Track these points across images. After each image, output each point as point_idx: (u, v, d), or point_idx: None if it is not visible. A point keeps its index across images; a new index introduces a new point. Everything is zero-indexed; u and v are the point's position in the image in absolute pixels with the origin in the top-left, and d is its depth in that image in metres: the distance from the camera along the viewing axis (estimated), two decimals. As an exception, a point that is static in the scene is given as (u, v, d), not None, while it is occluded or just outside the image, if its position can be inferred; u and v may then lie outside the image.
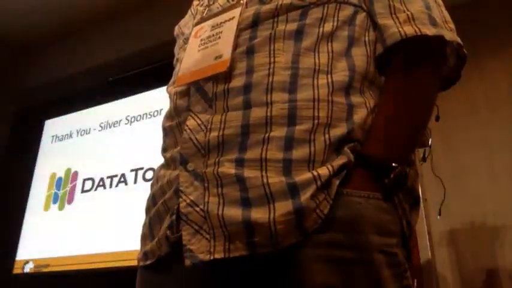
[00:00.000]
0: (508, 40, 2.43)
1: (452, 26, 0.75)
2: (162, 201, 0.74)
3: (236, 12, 0.78)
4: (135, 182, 2.90)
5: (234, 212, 0.63)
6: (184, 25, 0.96)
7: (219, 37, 0.78)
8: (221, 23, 0.80)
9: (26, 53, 3.64)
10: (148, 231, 0.77)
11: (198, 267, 0.65)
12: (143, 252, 0.76)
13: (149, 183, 2.85)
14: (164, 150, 0.81)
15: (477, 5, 2.46)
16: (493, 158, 2.28)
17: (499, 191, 2.21)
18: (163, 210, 0.73)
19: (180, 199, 0.67)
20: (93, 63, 3.29)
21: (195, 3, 0.97)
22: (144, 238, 0.78)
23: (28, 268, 3.10)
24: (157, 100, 3.00)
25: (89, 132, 3.31)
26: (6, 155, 3.61)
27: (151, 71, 3.08)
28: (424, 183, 2.22)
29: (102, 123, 3.27)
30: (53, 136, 3.53)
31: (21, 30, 3.39)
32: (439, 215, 2.07)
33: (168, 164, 0.77)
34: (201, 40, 0.81)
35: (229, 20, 0.78)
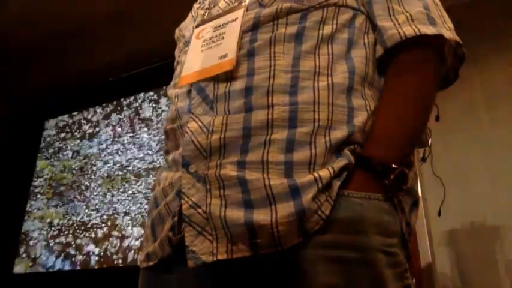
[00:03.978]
0: (508, 40, 2.43)
1: (451, 25, 0.76)
2: (164, 203, 0.74)
3: (239, 13, 0.79)
4: (137, 182, 2.90)
5: (236, 214, 0.63)
6: (185, 28, 0.96)
7: (223, 37, 0.78)
8: (224, 24, 0.80)
9: (26, 53, 3.64)
10: (151, 233, 0.77)
11: (201, 269, 0.65)
12: (146, 253, 0.76)
13: (149, 183, 2.84)
14: (166, 152, 0.82)
15: (477, 5, 2.46)
16: (492, 158, 2.28)
17: (499, 191, 2.21)
18: (165, 212, 0.73)
19: (183, 201, 0.68)
20: (93, 63, 3.29)
21: (195, 6, 0.98)
22: (147, 239, 0.78)
23: (27, 268, 3.10)
24: (157, 100, 3.01)
25: (89, 132, 3.31)
26: (6, 155, 3.61)
27: (152, 70, 3.09)
28: (424, 183, 2.22)
29: (102, 123, 3.27)
30: (53, 136, 3.53)
31: (21, 30, 3.39)
32: (439, 215, 2.07)
33: (170, 166, 0.78)
34: (204, 41, 0.82)
35: (232, 21, 0.79)
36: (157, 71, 3.00)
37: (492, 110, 2.37)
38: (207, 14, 0.88)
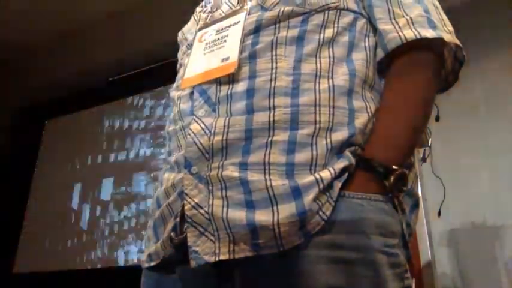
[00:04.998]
0: (507, 41, 2.44)
1: (451, 28, 0.76)
2: (166, 204, 0.74)
3: (241, 16, 0.80)
4: (138, 184, 2.91)
5: (238, 215, 0.64)
6: (188, 31, 0.97)
7: (225, 40, 0.79)
8: (226, 27, 0.81)
9: (26, 53, 3.64)
10: (153, 233, 0.77)
11: (203, 269, 0.66)
12: (148, 253, 0.77)
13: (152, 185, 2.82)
14: (168, 153, 0.82)
15: (477, 6, 2.46)
16: (493, 158, 2.28)
17: (499, 191, 2.21)
18: (167, 213, 0.74)
19: (185, 201, 0.68)
20: (93, 63, 3.29)
21: (198, 9, 0.99)
22: (149, 240, 0.79)
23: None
24: (157, 100, 3.01)
25: (89, 132, 3.31)
26: (7, 155, 3.61)
27: (151, 71, 3.09)
28: (424, 183, 2.23)
29: (102, 123, 3.27)
30: (53, 136, 3.53)
31: (21, 31, 3.39)
32: (439, 215, 2.07)
33: (172, 167, 0.78)
34: (206, 44, 0.83)
35: (234, 24, 0.80)
36: (158, 71, 3.00)
37: (492, 109, 2.37)
38: (209, 17, 0.89)
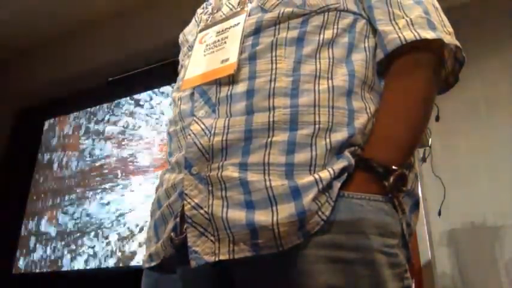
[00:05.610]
0: (507, 41, 2.43)
1: (450, 29, 0.76)
2: (166, 204, 0.75)
3: (241, 18, 0.80)
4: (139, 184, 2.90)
5: (238, 215, 0.64)
6: (189, 32, 0.97)
7: (225, 42, 0.79)
8: (226, 28, 0.82)
9: (26, 53, 3.65)
10: (153, 233, 0.78)
11: (203, 269, 0.66)
12: (148, 254, 0.78)
13: (150, 184, 2.81)
14: (169, 154, 0.83)
15: (477, 5, 2.46)
16: (493, 158, 2.28)
17: (499, 191, 2.21)
18: (167, 213, 0.74)
19: (185, 202, 0.68)
20: (93, 63, 3.29)
21: (199, 11, 1.00)
22: (149, 240, 0.79)
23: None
24: (157, 100, 3.01)
25: (89, 133, 3.31)
26: (7, 155, 3.61)
27: (151, 71, 3.09)
28: (424, 183, 2.23)
29: (102, 123, 3.27)
30: (53, 136, 3.53)
31: (21, 31, 3.39)
32: (439, 215, 2.07)
33: (173, 168, 0.78)
34: (207, 45, 0.83)
35: (234, 26, 0.80)
36: (158, 71, 3.00)
37: (492, 110, 2.37)
38: (210, 19, 0.90)
